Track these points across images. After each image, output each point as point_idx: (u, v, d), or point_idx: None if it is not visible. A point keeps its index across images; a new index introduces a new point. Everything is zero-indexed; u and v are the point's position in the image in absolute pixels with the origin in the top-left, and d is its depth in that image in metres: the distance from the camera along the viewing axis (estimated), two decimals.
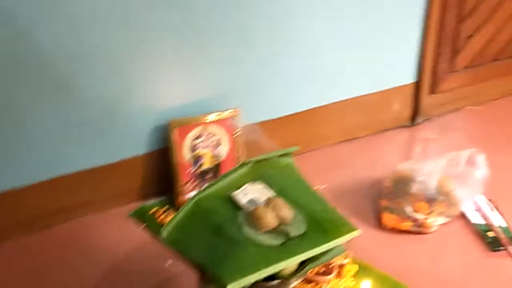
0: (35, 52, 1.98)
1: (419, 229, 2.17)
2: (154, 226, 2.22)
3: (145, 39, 2.12)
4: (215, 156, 2.30)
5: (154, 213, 2.27)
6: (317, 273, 1.97)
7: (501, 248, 2.09)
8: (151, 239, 2.19)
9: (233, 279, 1.48)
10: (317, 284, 1.96)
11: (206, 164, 2.30)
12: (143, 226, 2.25)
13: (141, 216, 2.28)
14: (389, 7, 2.48)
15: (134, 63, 2.15)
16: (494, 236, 2.12)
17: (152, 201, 2.35)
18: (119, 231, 2.23)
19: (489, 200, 1.34)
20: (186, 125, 2.24)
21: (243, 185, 1.74)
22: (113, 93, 2.16)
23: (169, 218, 2.18)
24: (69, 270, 2.08)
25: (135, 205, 2.34)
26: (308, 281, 1.95)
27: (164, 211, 2.27)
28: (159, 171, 2.33)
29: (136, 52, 2.13)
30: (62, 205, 2.24)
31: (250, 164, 1.80)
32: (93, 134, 2.19)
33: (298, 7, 2.32)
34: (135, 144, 2.27)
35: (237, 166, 1.79)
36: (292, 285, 1.63)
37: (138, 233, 2.22)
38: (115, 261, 2.10)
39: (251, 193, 1.71)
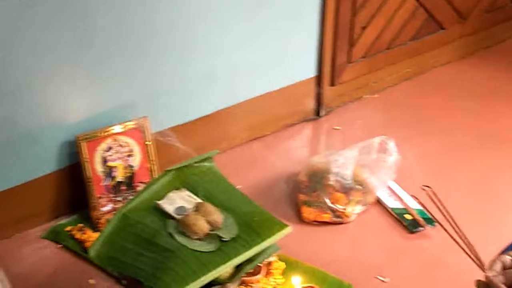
0: None
1: (339, 219, 2.20)
2: (71, 245, 2.14)
3: (41, 55, 2.03)
4: (127, 167, 2.24)
5: (69, 231, 2.19)
6: (246, 274, 1.96)
7: (420, 229, 2.16)
8: (70, 258, 2.11)
9: None
10: (247, 285, 1.95)
11: (119, 176, 2.24)
12: (59, 246, 2.16)
13: (56, 236, 2.19)
14: (286, 3, 2.50)
15: (33, 81, 2.05)
16: (412, 218, 2.19)
17: (65, 220, 2.26)
18: (34, 255, 2.13)
19: (425, 186, 1.38)
20: (94, 138, 2.17)
21: (167, 193, 1.72)
22: (13, 113, 2.06)
23: (86, 235, 2.13)
24: None
25: (47, 226, 2.24)
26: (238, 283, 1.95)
27: (80, 229, 2.18)
28: (71, 187, 2.24)
29: (33, 70, 2.04)
30: None
31: (172, 172, 1.77)
32: None
33: (194, 11, 2.29)
34: (43, 163, 2.17)
35: (160, 175, 1.76)
36: None
37: (55, 254, 2.13)
38: (35, 287, 2.00)
39: (177, 201, 1.69)
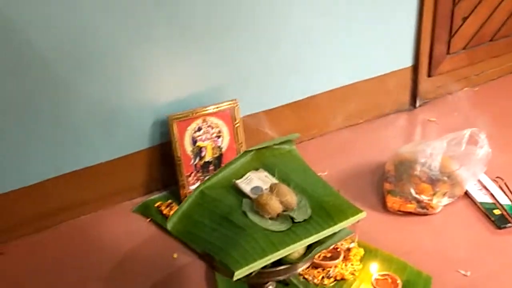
0: (36, 58, 1.99)
1: (423, 211, 2.17)
2: (159, 220, 2.23)
3: (140, 36, 2.12)
4: (216, 148, 2.31)
5: (158, 207, 2.28)
6: (324, 258, 1.98)
7: (508, 225, 2.09)
8: (157, 233, 2.20)
9: (240, 265, 1.48)
10: (324, 269, 1.97)
11: (208, 156, 2.30)
12: (148, 220, 2.26)
13: (145, 210, 2.29)
14: None
15: (131, 61, 2.15)
16: (500, 214, 2.12)
17: (156, 195, 2.36)
18: (124, 227, 2.24)
19: (497, 177, 1.34)
20: (185, 118, 2.24)
21: (245, 173, 1.75)
22: (113, 91, 2.17)
23: (173, 211, 2.20)
24: (75, 267, 2.09)
25: (139, 200, 2.35)
26: (315, 266, 1.97)
27: (168, 205, 2.27)
28: (162, 165, 2.34)
29: (132, 50, 2.13)
30: (66, 203, 2.25)
31: (252, 153, 1.80)
32: (94, 132, 2.20)
33: None
34: (137, 140, 2.27)
35: (239, 155, 1.79)
36: (300, 269, 1.63)
37: (143, 228, 2.23)
38: (122, 256, 2.10)
39: (254, 181, 1.72)
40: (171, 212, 2.21)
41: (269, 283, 1.69)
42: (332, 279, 1.95)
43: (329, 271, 1.96)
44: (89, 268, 2.07)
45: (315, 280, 1.95)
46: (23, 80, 2.01)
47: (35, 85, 2.04)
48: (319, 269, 1.97)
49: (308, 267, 1.95)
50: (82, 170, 2.23)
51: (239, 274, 1.47)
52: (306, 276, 1.95)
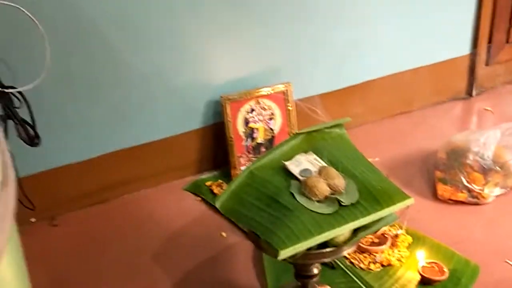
0: (96, 37, 2.05)
1: (474, 200, 2.15)
2: (209, 199, 2.26)
3: (197, 15, 2.15)
4: (268, 130, 2.33)
5: (209, 186, 2.32)
6: (372, 244, 1.98)
7: None
8: (206, 211, 2.23)
9: (285, 245, 1.50)
10: (370, 254, 1.97)
11: (260, 137, 2.32)
12: (199, 199, 2.29)
13: (196, 189, 2.33)
14: None
15: (188, 40, 2.18)
16: None
17: (207, 175, 2.39)
18: (175, 204, 2.28)
19: None
20: (238, 99, 2.27)
21: (295, 155, 1.76)
22: (168, 70, 2.21)
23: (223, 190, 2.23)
24: (127, 242, 2.14)
25: (191, 179, 2.39)
26: (362, 251, 1.97)
27: (219, 184, 2.31)
28: (214, 145, 2.37)
29: (189, 29, 2.16)
30: (120, 179, 2.30)
31: (302, 135, 1.81)
32: (150, 110, 2.25)
33: None
34: (190, 119, 2.31)
35: (290, 137, 1.80)
36: (345, 252, 1.64)
37: (194, 206, 2.27)
38: (172, 233, 2.15)
39: (303, 163, 1.73)
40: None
41: (314, 265, 1.71)
42: (378, 265, 1.95)
43: (375, 256, 1.96)
44: (139, 243, 2.12)
45: (362, 265, 1.95)
46: (86, 60, 2.08)
47: (96, 64, 2.10)
48: (366, 254, 1.97)
49: (355, 252, 1.97)
50: (137, 147, 2.28)
51: (284, 254, 1.49)
52: (353, 261, 1.96)
